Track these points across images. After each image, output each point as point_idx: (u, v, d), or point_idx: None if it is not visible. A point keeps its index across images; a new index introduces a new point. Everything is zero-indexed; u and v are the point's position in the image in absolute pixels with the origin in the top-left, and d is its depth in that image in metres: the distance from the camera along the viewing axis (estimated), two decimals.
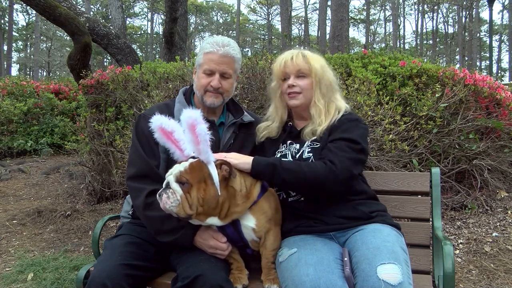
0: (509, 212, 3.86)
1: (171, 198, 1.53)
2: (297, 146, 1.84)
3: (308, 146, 1.80)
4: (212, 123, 1.91)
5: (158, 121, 1.64)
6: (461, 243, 3.45)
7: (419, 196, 2.10)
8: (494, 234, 3.53)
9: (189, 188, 1.55)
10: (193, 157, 1.61)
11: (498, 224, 3.69)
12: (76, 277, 1.80)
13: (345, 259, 1.56)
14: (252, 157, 1.71)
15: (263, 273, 1.72)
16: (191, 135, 1.58)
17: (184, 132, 1.62)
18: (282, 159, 1.73)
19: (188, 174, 1.56)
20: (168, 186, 1.56)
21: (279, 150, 1.88)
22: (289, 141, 1.89)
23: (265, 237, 1.72)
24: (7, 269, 3.32)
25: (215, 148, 1.88)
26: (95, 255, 2.07)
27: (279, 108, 1.97)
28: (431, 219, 2.00)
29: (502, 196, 4.08)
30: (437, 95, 3.80)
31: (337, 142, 1.73)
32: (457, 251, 3.34)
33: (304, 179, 1.64)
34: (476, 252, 3.29)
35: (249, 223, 1.68)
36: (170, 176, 1.57)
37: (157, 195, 1.58)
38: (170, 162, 1.85)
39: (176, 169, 1.58)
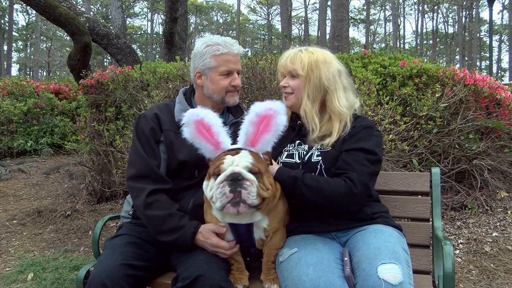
0: (509, 212, 3.86)
1: (252, 191, 1.48)
2: (306, 147, 1.80)
3: (317, 149, 1.76)
4: None
5: (197, 115, 1.59)
6: (461, 243, 3.45)
7: (419, 196, 2.09)
8: (494, 234, 3.53)
9: (261, 177, 1.53)
10: (232, 150, 1.58)
11: (498, 224, 3.69)
12: (76, 277, 1.80)
13: (345, 259, 1.56)
14: (278, 166, 1.71)
15: (262, 272, 1.72)
16: (255, 126, 1.57)
17: (224, 125, 1.63)
18: (305, 173, 1.68)
19: (257, 164, 1.54)
20: (238, 179, 1.47)
21: (286, 149, 1.85)
22: (297, 141, 1.85)
23: (271, 236, 1.72)
24: (7, 269, 3.32)
25: None
26: (95, 255, 2.07)
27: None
28: (431, 219, 2.00)
29: (502, 196, 4.08)
30: (437, 95, 3.80)
31: (353, 154, 1.70)
32: (457, 251, 3.34)
33: (322, 197, 1.63)
34: (476, 252, 3.29)
35: (262, 223, 1.67)
36: (238, 168, 1.49)
37: (227, 192, 1.47)
38: (171, 162, 1.85)
39: (242, 160, 1.51)
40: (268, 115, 1.56)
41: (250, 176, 1.49)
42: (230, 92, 1.91)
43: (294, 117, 1.91)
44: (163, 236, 1.72)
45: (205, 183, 1.61)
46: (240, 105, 2.07)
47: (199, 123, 1.60)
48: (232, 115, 2.00)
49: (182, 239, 1.69)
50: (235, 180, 1.47)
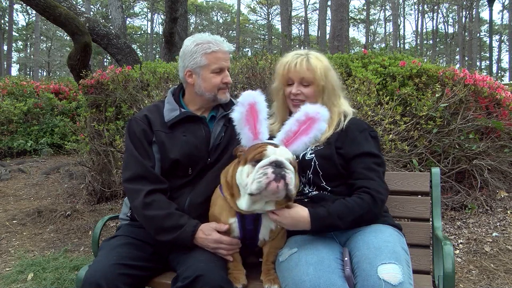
0: (509, 212, 3.86)
1: (293, 178, 1.50)
2: None
3: (311, 149, 1.80)
4: (203, 119, 1.93)
5: (253, 98, 1.62)
6: (461, 243, 3.45)
7: (419, 196, 2.10)
8: (494, 234, 3.53)
9: (296, 174, 1.57)
10: (271, 143, 1.60)
11: (498, 224, 3.69)
12: (76, 277, 1.80)
13: (346, 259, 1.56)
14: (308, 217, 1.59)
15: (262, 273, 1.73)
16: (298, 126, 1.61)
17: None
18: (332, 206, 1.64)
19: (294, 161, 1.58)
20: (280, 166, 1.49)
21: None
22: None
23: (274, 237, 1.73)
24: (7, 269, 3.32)
25: (206, 142, 1.89)
26: (95, 255, 2.06)
27: (280, 108, 1.96)
28: (431, 219, 2.01)
29: (502, 196, 4.08)
30: (437, 95, 3.79)
31: (360, 161, 1.73)
32: (457, 251, 3.34)
33: (362, 220, 1.66)
34: (476, 252, 3.29)
35: (270, 224, 1.69)
36: (282, 158, 1.51)
37: (269, 172, 1.47)
38: (164, 161, 1.85)
39: (284, 152, 1.55)
40: (315, 118, 1.61)
41: (291, 167, 1.52)
42: (222, 89, 1.93)
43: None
44: (162, 235, 1.72)
45: (239, 168, 1.60)
46: (230, 99, 2.05)
47: (252, 105, 1.62)
48: (222, 109, 2.00)
49: (181, 237, 1.69)
50: (279, 166, 1.49)
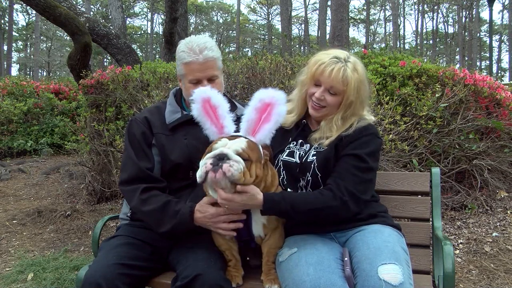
0: (509, 212, 3.86)
1: (235, 166, 1.50)
2: (307, 147, 1.81)
3: (314, 149, 1.77)
4: None
5: (205, 93, 1.65)
6: (461, 243, 3.45)
7: (419, 196, 2.10)
8: (494, 234, 3.53)
9: (250, 164, 1.57)
10: (234, 136, 1.62)
11: (498, 224, 3.69)
12: (76, 277, 1.80)
13: (346, 259, 1.56)
14: (262, 199, 1.59)
15: (263, 273, 1.73)
16: (257, 114, 1.62)
17: (228, 111, 1.67)
18: (290, 193, 1.66)
19: (249, 151, 1.57)
20: (224, 158, 1.51)
21: (288, 147, 1.84)
22: (300, 140, 1.84)
23: (270, 235, 1.73)
24: (7, 269, 3.32)
25: (207, 145, 1.87)
26: (95, 255, 2.07)
27: (299, 102, 1.87)
28: (431, 219, 2.01)
29: (502, 196, 4.08)
30: (437, 95, 3.80)
31: (346, 161, 1.68)
32: (457, 251, 3.34)
33: (317, 215, 1.64)
34: (476, 252, 3.29)
35: (261, 218, 1.69)
36: (227, 149, 1.53)
37: (208, 163, 1.50)
38: (164, 164, 1.85)
39: (233, 144, 1.56)
40: (271, 103, 1.62)
41: (237, 157, 1.53)
42: None
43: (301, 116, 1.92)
44: (163, 226, 1.71)
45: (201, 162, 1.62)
46: (232, 100, 2.02)
47: (206, 101, 1.65)
48: None
49: (181, 221, 1.69)
50: (220, 158, 1.52)
